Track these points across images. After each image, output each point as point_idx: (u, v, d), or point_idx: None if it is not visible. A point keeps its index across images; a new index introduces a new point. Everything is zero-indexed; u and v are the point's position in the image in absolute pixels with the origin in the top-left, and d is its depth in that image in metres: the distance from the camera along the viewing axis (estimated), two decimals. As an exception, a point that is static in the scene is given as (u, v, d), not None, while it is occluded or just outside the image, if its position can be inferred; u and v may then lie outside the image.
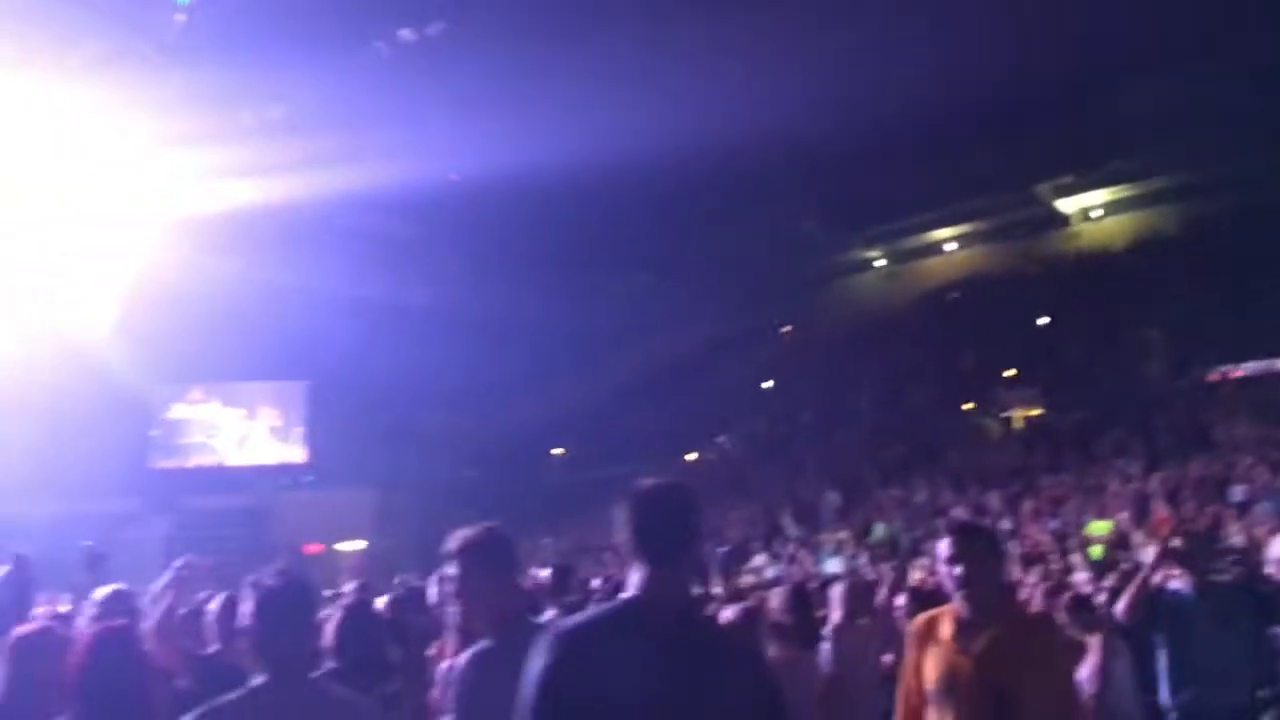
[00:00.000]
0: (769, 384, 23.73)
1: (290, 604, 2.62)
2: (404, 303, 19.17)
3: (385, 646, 4.41)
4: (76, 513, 17.15)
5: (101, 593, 4.78)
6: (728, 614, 4.52)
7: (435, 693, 3.85)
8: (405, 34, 14.91)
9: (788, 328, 25.62)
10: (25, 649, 3.10)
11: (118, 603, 4.58)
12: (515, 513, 19.52)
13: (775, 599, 5.02)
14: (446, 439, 20.69)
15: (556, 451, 23.54)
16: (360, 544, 19.41)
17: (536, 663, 1.99)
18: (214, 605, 4.46)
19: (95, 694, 2.88)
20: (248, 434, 19.67)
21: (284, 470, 19.91)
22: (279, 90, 14.15)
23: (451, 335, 18.95)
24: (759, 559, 12.97)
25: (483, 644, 2.59)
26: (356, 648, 4.06)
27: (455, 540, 2.68)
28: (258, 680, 2.52)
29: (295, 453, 19.83)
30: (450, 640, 3.88)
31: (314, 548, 19.16)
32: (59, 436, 17.01)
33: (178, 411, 19.30)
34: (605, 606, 2.26)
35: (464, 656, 2.63)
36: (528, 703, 1.98)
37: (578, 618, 2.17)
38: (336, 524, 19.33)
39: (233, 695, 2.50)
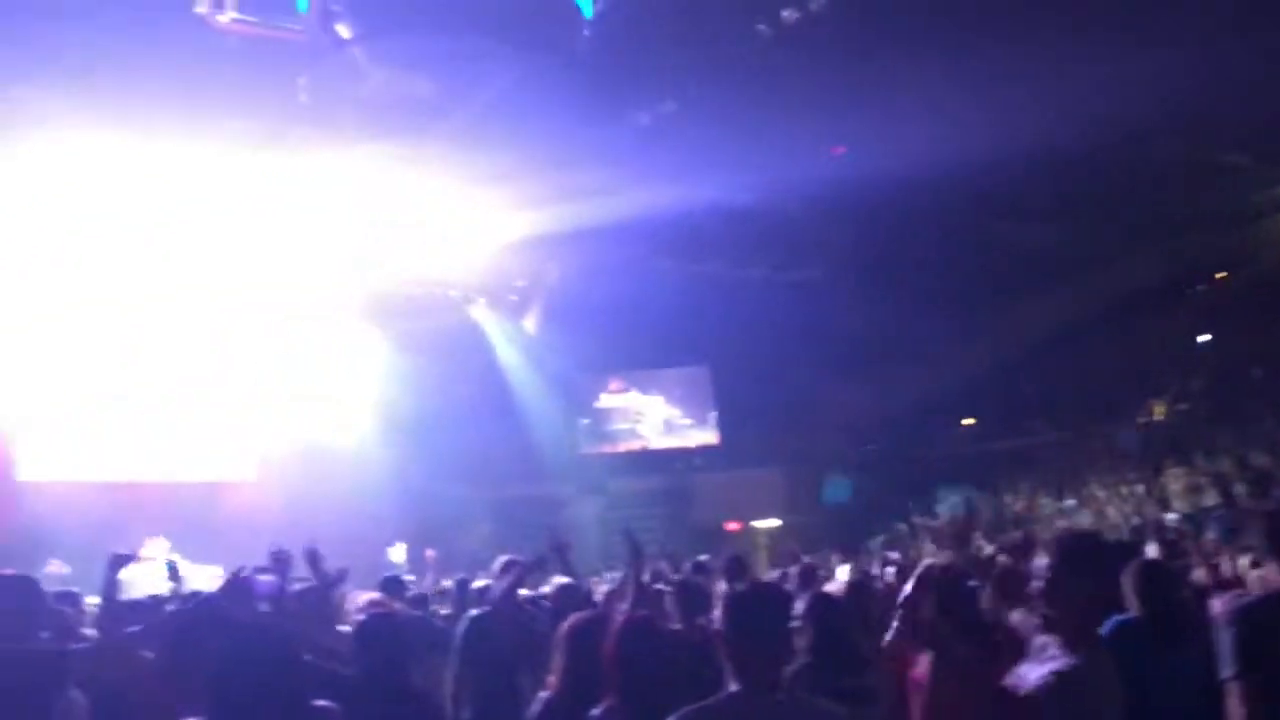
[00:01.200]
0: (1205, 337, 21.50)
1: (760, 612, 2.54)
2: (795, 280, 19.28)
3: (854, 636, 4.17)
4: (516, 497, 18.97)
5: (557, 582, 5.15)
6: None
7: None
8: (788, 15, 14.86)
9: (1222, 273, 23.01)
10: (581, 634, 3.21)
11: (574, 593, 4.90)
12: (925, 484, 19.16)
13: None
14: (847, 413, 20.60)
15: (967, 421, 22.74)
16: (775, 521, 19.88)
17: None
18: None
19: (631, 680, 2.89)
20: (666, 419, 20.76)
21: (699, 452, 20.80)
22: (672, 87, 14.60)
23: (845, 307, 18.83)
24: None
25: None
26: (824, 639, 3.85)
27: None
28: (731, 688, 2.48)
29: (708, 435, 20.66)
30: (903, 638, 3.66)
31: (733, 525, 19.86)
32: (500, 429, 18.89)
33: (604, 401, 20.74)
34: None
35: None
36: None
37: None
38: (751, 502, 19.91)
39: (708, 701, 2.47)
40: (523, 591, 5.86)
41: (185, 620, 3.66)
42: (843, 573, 8.48)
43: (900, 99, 14.74)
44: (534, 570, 5.73)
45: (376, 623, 3.82)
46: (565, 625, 3.32)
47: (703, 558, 8.62)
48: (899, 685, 3.98)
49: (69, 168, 13.07)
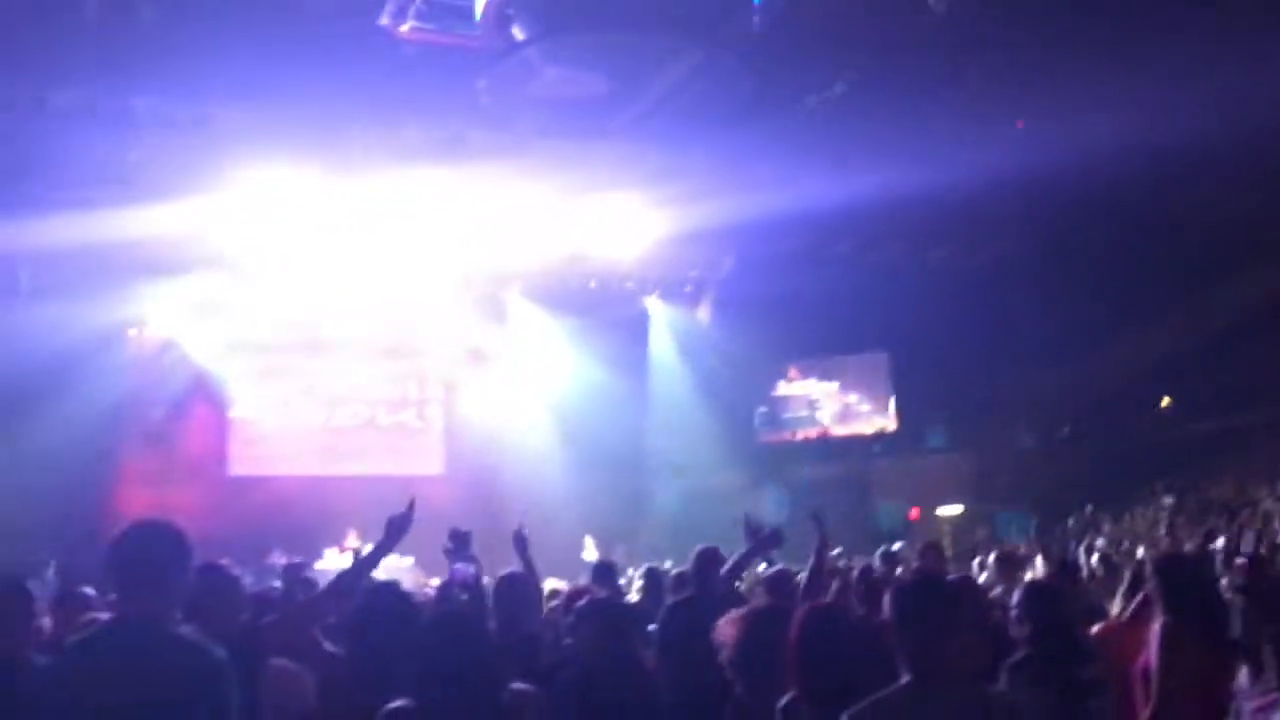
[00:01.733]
0: None
1: (926, 601, 2.54)
2: (977, 262, 18.73)
3: (1073, 626, 4.01)
4: (694, 487, 19.07)
5: (765, 571, 5.14)
6: None
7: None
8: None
9: None
10: (760, 624, 3.18)
11: (784, 583, 4.88)
12: (1122, 472, 18.29)
13: None
14: (1033, 398, 19.88)
15: (1165, 403, 21.58)
16: (958, 509, 19.36)
17: None
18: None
19: (814, 670, 2.87)
20: (844, 406, 20.51)
21: (878, 439, 20.46)
22: (841, 69, 14.34)
23: (1031, 288, 18.16)
24: None
25: None
26: (1044, 631, 3.72)
27: None
28: (904, 680, 2.48)
29: (887, 421, 20.30)
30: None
31: (914, 513, 19.47)
32: (681, 420, 19.04)
33: (781, 389, 20.63)
34: None
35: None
36: None
37: None
38: (932, 489, 19.46)
39: (882, 694, 2.47)
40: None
41: (368, 608, 3.84)
42: (1039, 561, 8.22)
43: (1086, 69, 14.10)
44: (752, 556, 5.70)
45: (601, 606, 3.89)
46: (740, 615, 3.31)
47: (895, 546, 8.48)
48: (1121, 677, 3.83)
49: (261, 181, 13.75)
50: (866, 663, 2.77)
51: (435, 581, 8.14)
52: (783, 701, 2.90)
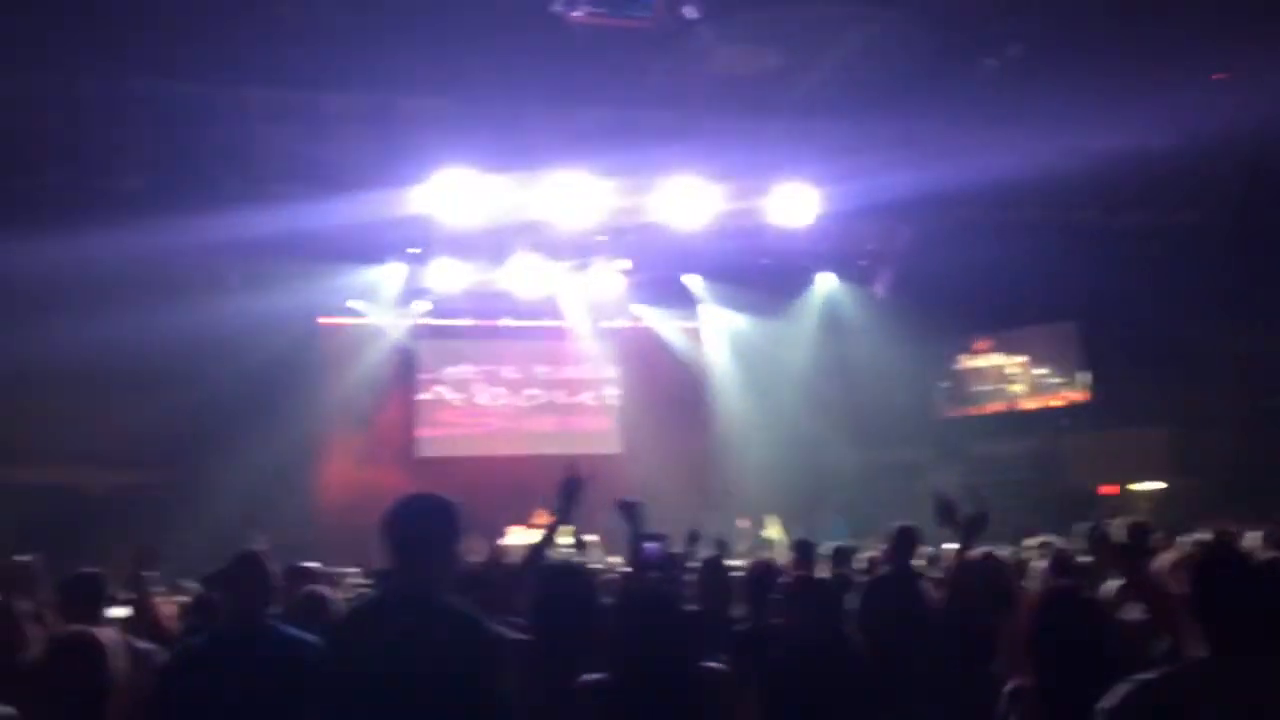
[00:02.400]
0: None
1: (1232, 578, 2.47)
2: (1172, 224, 17.72)
3: None
4: (877, 462, 18.79)
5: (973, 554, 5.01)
6: None
7: None
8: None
9: None
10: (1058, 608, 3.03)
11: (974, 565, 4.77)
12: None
13: None
14: (1239, 364, 18.71)
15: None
16: (1157, 485, 18.44)
17: None
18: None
19: (1053, 654, 2.78)
20: (1031, 378, 19.83)
21: (1068, 411, 19.67)
22: (1018, 26, 13.77)
23: (1231, 250, 17.07)
24: None
25: None
26: None
27: None
28: (1199, 654, 2.42)
29: (1078, 393, 19.50)
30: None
31: (1107, 489, 18.64)
32: (857, 397, 18.77)
33: (964, 362, 20.08)
34: None
35: None
36: None
37: None
38: (1128, 464, 18.59)
39: (1172, 668, 2.43)
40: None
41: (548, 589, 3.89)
42: (1253, 540, 7.76)
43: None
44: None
45: (814, 584, 3.89)
46: (1040, 597, 3.18)
47: (1089, 524, 8.11)
48: None
49: (445, 168, 14.15)
50: (1099, 645, 2.68)
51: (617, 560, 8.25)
52: (1010, 686, 2.82)
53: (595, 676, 3.07)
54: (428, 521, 3.01)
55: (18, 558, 5.20)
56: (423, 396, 19.99)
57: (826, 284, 19.04)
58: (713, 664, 3.20)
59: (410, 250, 16.68)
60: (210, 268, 15.61)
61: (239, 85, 13.14)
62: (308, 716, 2.94)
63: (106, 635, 2.57)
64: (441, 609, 2.89)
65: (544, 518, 17.26)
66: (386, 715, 2.71)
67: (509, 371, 20.35)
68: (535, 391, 20.44)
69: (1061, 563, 5.89)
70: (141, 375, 16.19)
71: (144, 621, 4.86)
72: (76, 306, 14.59)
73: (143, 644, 3.94)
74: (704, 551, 6.34)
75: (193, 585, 6.54)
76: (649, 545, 5.47)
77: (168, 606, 5.51)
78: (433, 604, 2.89)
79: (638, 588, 3.89)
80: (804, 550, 7.22)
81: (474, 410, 20.18)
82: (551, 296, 18.69)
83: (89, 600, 4.41)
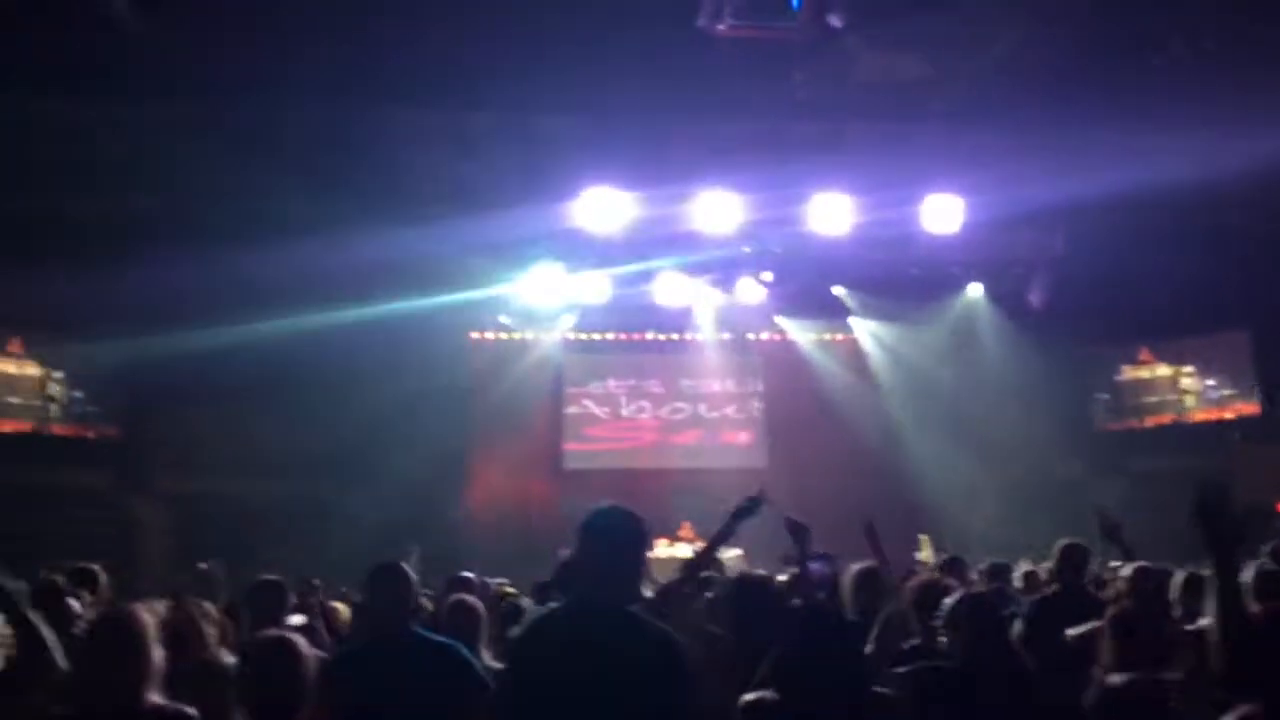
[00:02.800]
0: None
1: None
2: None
3: None
4: (1023, 478, 18.20)
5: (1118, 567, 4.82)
6: None
7: None
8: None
9: None
10: None
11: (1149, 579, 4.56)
12: None
13: None
14: None
15: None
16: (1344, 501, 17.32)
17: None
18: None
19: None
20: (1201, 390, 18.92)
21: (1240, 424, 18.68)
22: (1176, 26, 13.17)
23: None
24: None
25: None
26: None
27: None
28: None
29: (1250, 405, 18.52)
30: None
31: (1281, 506, 17.61)
32: (1011, 409, 18.22)
33: (1127, 374, 19.31)
34: None
35: None
36: None
37: None
38: (1305, 479, 17.52)
39: None
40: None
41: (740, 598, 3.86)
42: None
43: None
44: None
45: (981, 602, 3.79)
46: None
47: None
48: None
49: (591, 184, 14.35)
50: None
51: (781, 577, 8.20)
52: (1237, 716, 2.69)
53: (760, 695, 3.05)
54: (616, 533, 3.03)
55: (200, 564, 5.47)
56: (569, 410, 20.26)
57: (976, 293, 18.53)
58: (883, 690, 3.15)
59: (557, 265, 16.95)
60: (363, 285, 16.16)
61: (389, 109, 13.60)
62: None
63: (301, 641, 2.68)
64: (629, 621, 2.91)
65: (689, 532, 17.41)
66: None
67: (653, 385, 20.45)
68: (680, 405, 20.49)
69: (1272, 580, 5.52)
70: (299, 390, 16.89)
71: (317, 628, 5.04)
72: (243, 323, 15.32)
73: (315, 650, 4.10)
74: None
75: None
76: (815, 565, 5.41)
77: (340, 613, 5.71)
78: (620, 616, 2.90)
79: (815, 608, 3.84)
80: (957, 568, 7.03)
81: (619, 423, 20.36)
82: (696, 309, 18.73)
83: (274, 607, 4.58)
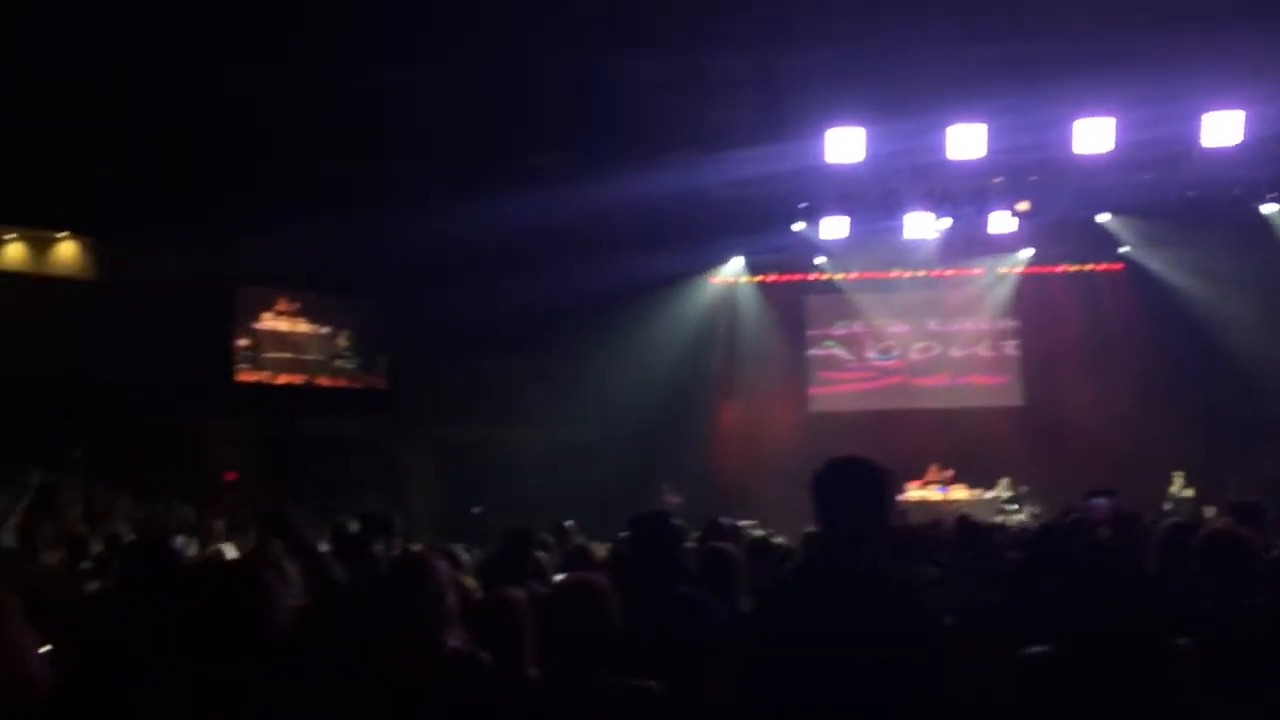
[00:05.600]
0: None
1: None
2: None
3: None
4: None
5: None
6: None
7: None
8: None
9: None
10: None
11: None
12: None
13: None
14: None
15: None
16: None
17: None
18: None
19: None
20: None
21: None
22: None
23: None
24: None
25: None
26: None
27: None
28: None
29: None
30: None
31: None
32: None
33: None
34: None
35: None
36: None
37: None
38: None
39: None
40: None
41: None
42: None
43: None
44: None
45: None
46: None
47: None
48: None
49: (838, 125, 13.98)
50: None
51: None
52: None
53: (1038, 650, 2.86)
54: (857, 486, 2.90)
55: (474, 509, 5.67)
56: (813, 352, 20.02)
57: (1271, 213, 16.66)
58: (1181, 641, 2.90)
59: (801, 206, 16.64)
60: (610, 232, 16.39)
61: (632, 54, 13.63)
62: (736, 678, 2.97)
63: (606, 583, 2.69)
64: (873, 577, 2.80)
65: (936, 474, 16.95)
66: (815, 683, 2.67)
67: (900, 325, 19.89)
68: (928, 344, 19.85)
69: None
70: (553, 339, 17.44)
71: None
72: (500, 274, 15.87)
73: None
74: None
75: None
76: (1097, 500, 5.09)
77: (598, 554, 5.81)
78: (864, 572, 2.80)
79: (1098, 550, 3.58)
80: (1254, 515, 6.38)
81: (865, 365, 19.95)
82: (945, 245, 17.97)
83: (521, 556, 4.64)
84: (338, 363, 18.97)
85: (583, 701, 2.44)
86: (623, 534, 6.29)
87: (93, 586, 5.45)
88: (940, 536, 6.38)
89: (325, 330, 18.99)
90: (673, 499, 15.30)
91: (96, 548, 6.25)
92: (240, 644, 2.64)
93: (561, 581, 2.67)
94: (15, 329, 15.99)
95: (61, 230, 18.95)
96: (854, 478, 2.93)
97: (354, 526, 5.11)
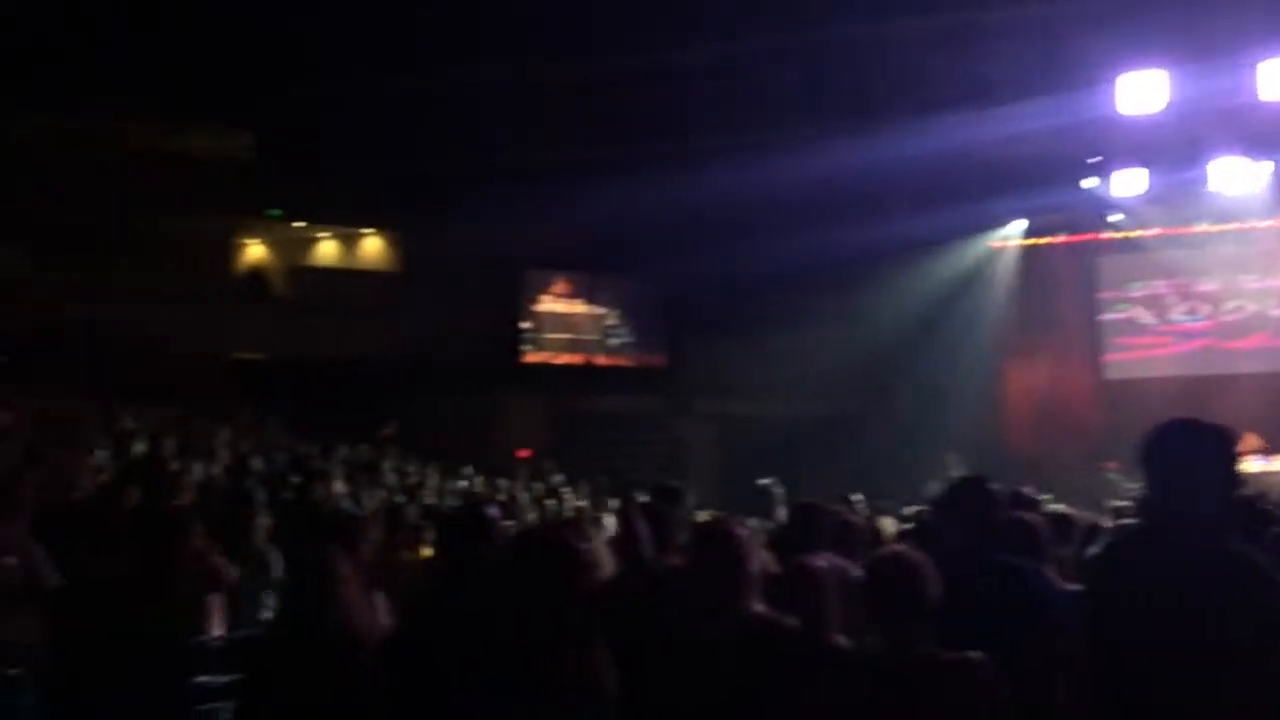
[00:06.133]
0: None
1: None
2: None
3: None
4: None
5: None
6: None
7: None
8: None
9: None
10: None
11: None
12: None
13: None
14: None
15: None
16: None
17: None
18: None
19: None
20: None
21: None
22: None
23: None
24: None
25: None
26: None
27: None
28: None
29: None
30: None
31: None
32: None
33: None
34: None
35: None
36: None
37: None
38: None
39: None
40: None
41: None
42: None
43: None
44: None
45: None
46: None
47: None
48: None
49: (1131, 71, 13.05)
50: None
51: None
52: None
53: None
54: (1194, 449, 2.69)
55: (760, 481, 5.71)
56: (1108, 316, 18.83)
57: None
58: None
59: (1090, 160, 15.65)
60: (881, 196, 16.00)
61: (903, 17, 13.27)
62: (1068, 654, 2.83)
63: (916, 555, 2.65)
64: (1212, 547, 2.60)
65: (1254, 442, 15.58)
66: (1151, 654, 2.52)
67: (1208, 283, 18.33)
68: (1240, 304, 18.20)
69: None
70: (825, 309, 17.26)
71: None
72: (767, 241, 15.79)
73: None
74: None
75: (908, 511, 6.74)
76: None
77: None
78: (1201, 541, 2.60)
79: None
80: None
81: (1168, 328, 18.55)
82: (1259, 195, 16.36)
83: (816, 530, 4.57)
84: (612, 341, 19.59)
85: (903, 672, 2.41)
86: (909, 508, 6.19)
87: (408, 556, 5.89)
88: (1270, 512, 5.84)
89: (599, 310, 19.66)
90: (961, 469, 14.77)
91: (411, 517, 6.72)
92: (556, 609, 2.77)
93: (879, 553, 2.63)
94: (331, 318, 17.55)
95: (367, 227, 20.65)
96: (1195, 442, 2.73)
97: (645, 498, 5.23)
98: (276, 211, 19.22)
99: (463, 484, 12.29)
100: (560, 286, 19.37)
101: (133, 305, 15.54)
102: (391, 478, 11.26)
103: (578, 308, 19.57)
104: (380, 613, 3.75)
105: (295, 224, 20.27)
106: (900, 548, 2.60)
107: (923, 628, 2.50)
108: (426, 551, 5.59)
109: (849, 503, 7.37)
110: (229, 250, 20.04)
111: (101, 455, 7.36)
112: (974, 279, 18.30)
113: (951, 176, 15.70)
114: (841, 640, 2.93)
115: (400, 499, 8.38)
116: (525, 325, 18.90)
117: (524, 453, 15.76)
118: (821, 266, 16.02)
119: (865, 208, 15.87)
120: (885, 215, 15.99)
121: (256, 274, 19.75)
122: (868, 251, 15.90)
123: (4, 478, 5.03)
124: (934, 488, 11.53)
